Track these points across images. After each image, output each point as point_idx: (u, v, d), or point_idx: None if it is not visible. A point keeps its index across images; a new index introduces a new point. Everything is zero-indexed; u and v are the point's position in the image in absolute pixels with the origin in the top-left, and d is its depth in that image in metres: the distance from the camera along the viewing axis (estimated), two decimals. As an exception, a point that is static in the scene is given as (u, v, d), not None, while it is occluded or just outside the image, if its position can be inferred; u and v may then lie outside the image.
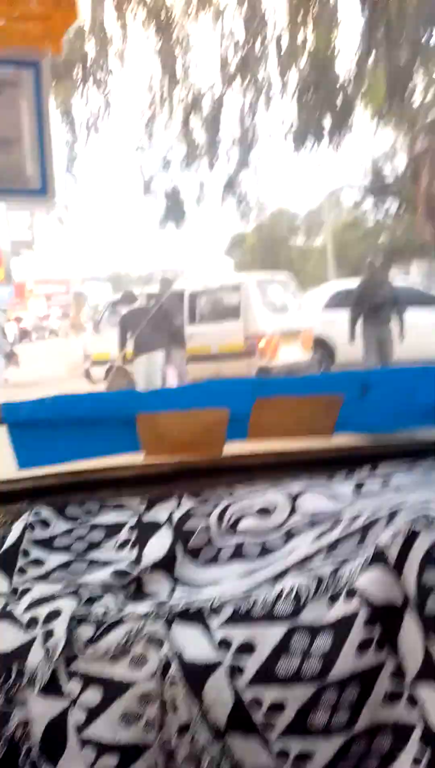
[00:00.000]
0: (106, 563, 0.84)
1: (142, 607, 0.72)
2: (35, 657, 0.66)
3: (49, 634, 0.67)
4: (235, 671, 0.64)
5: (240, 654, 0.65)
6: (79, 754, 0.64)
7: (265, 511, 0.87)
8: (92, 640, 0.68)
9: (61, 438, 0.97)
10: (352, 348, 7.81)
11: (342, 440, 1.05)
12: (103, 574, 0.80)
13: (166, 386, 7.17)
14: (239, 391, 0.97)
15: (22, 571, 0.83)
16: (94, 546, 0.88)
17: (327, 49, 5.86)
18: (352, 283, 8.64)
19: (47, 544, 0.88)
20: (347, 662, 0.64)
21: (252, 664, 0.64)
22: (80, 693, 0.65)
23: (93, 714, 0.64)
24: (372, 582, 0.65)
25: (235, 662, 0.64)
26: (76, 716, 0.65)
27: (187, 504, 0.91)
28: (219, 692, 0.64)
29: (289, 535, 0.83)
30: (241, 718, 0.63)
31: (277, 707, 0.63)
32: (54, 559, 0.86)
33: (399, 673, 0.65)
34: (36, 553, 0.86)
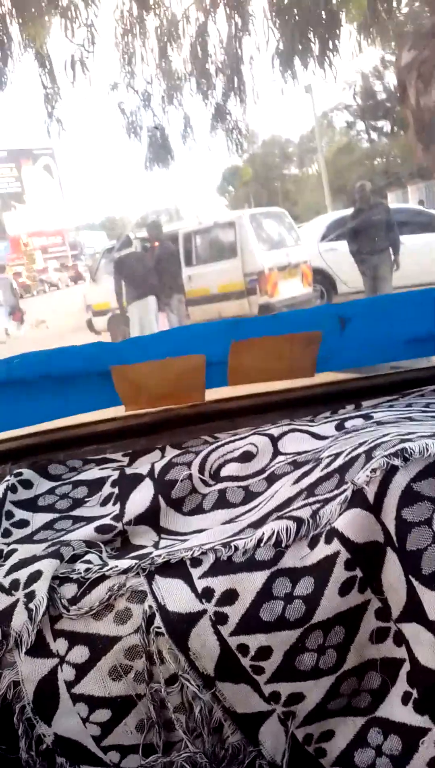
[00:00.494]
0: (90, 519, 0.84)
1: (125, 561, 0.72)
2: (19, 619, 0.67)
3: (30, 596, 0.68)
4: (220, 620, 0.64)
5: (223, 602, 0.65)
6: (72, 710, 0.65)
7: (247, 456, 0.86)
8: (76, 598, 0.68)
9: (38, 397, 0.96)
10: (353, 277, 7.65)
11: (325, 378, 1.02)
12: (86, 531, 0.80)
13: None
14: (214, 334, 0.94)
15: (6, 532, 0.83)
16: (77, 503, 0.87)
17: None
18: (348, 212, 8.40)
19: (31, 504, 0.88)
20: (331, 603, 0.64)
21: (236, 612, 0.65)
22: (67, 651, 0.66)
23: (82, 670, 0.65)
24: (351, 522, 0.65)
25: (219, 611, 0.65)
26: (65, 674, 0.66)
27: (169, 454, 0.90)
28: (204, 641, 0.64)
29: (272, 479, 0.82)
30: (229, 665, 0.64)
31: (264, 652, 0.64)
32: (39, 519, 0.86)
33: (384, 611, 0.65)
34: (20, 513, 0.86)
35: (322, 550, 0.65)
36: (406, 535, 0.63)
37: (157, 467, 0.87)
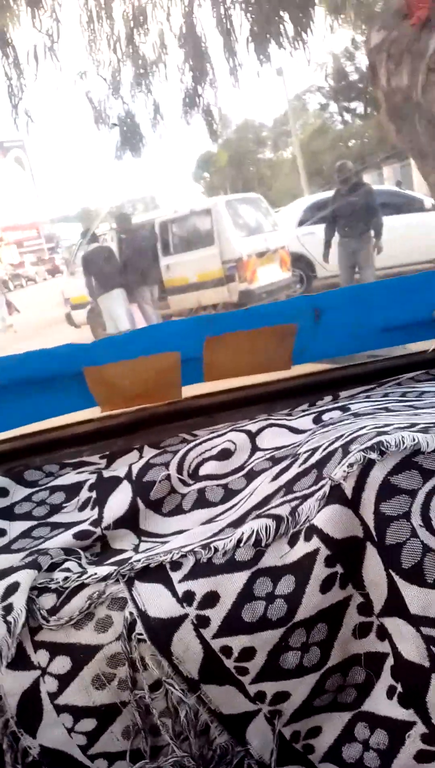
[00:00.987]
0: (68, 525, 0.82)
1: (104, 568, 0.71)
2: None
3: (8, 608, 0.66)
4: (201, 623, 0.64)
5: (204, 605, 0.64)
6: (57, 721, 0.64)
7: (225, 454, 0.85)
8: (55, 609, 0.67)
9: (11, 401, 0.94)
10: (332, 260, 7.62)
11: (302, 370, 1.02)
12: (65, 537, 0.79)
13: (134, 325, 7.18)
14: (186, 331, 0.93)
15: None
16: (55, 509, 0.86)
17: None
18: (325, 195, 8.36)
19: (7, 512, 0.86)
20: (313, 601, 0.63)
21: (217, 614, 0.64)
22: (49, 662, 0.65)
23: (65, 681, 0.65)
24: (330, 518, 0.64)
25: (200, 614, 0.64)
26: (48, 685, 0.65)
27: (146, 455, 0.89)
28: (187, 645, 0.64)
29: (251, 476, 0.81)
30: (213, 668, 0.63)
31: (248, 653, 0.63)
32: (16, 528, 0.84)
33: (367, 606, 0.65)
34: None
35: (302, 548, 0.65)
36: (385, 529, 0.62)
37: (135, 469, 0.85)
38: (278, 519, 0.68)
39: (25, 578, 0.69)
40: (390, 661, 0.64)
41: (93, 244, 7.81)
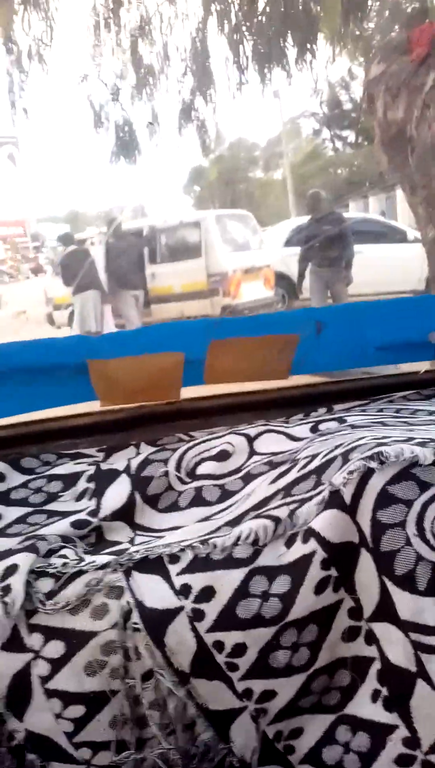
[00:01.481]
0: (65, 514, 0.83)
1: (102, 557, 0.72)
2: None
3: (6, 590, 0.67)
4: (197, 616, 0.65)
5: (200, 599, 0.66)
6: (46, 705, 0.65)
7: (223, 455, 0.87)
8: (52, 593, 0.67)
9: (12, 389, 0.94)
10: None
11: (298, 381, 1.04)
12: (62, 525, 0.80)
13: (101, 327, 7.19)
14: (193, 333, 0.95)
15: None
16: (52, 497, 0.87)
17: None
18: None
19: (3, 497, 0.87)
20: (306, 602, 0.65)
21: (213, 609, 0.65)
22: (43, 646, 0.65)
23: (57, 665, 0.65)
24: (328, 522, 0.66)
25: (196, 607, 0.65)
26: (39, 669, 0.65)
27: (144, 451, 0.90)
28: (181, 638, 0.65)
29: (248, 478, 0.83)
30: (204, 662, 0.65)
31: (240, 649, 0.65)
32: (11, 513, 0.85)
33: (357, 610, 0.67)
34: None
35: (299, 549, 0.67)
36: (380, 536, 0.64)
37: (134, 463, 0.87)
38: (276, 520, 0.70)
39: (24, 561, 0.70)
40: (376, 665, 0.66)
41: (71, 246, 7.87)
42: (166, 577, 0.68)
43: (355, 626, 0.67)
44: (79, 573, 0.69)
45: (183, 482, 0.85)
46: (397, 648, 0.63)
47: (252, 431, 0.89)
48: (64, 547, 0.75)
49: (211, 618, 0.65)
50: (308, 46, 6.08)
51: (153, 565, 0.69)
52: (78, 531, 0.79)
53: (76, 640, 0.65)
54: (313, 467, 0.75)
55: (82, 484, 0.87)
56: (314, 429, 0.89)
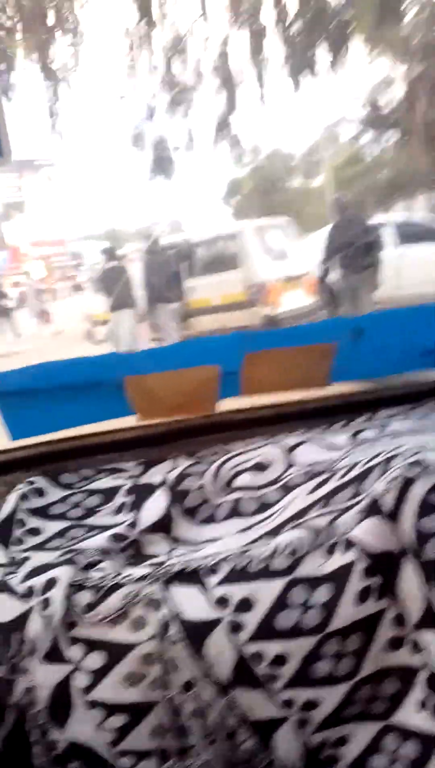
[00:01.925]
0: (103, 528, 0.84)
1: (140, 569, 0.72)
2: (34, 625, 0.67)
3: (46, 603, 0.68)
4: (235, 628, 0.64)
5: (239, 610, 0.65)
6: (87, 715, 0.65)
7: (260, 467, 0.86)
8: (91, 606, 0.68)
9: (52, 406, 0.96)
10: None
11: (338, 389, 1.03)
12: (100, 539, 0.80)
13: (136, 346, 7.21)
14: (227, 346, 0.95)
15: (19, 541, 0.83)
16: (91, 512, 0.87)
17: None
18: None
19: (43, 512, 0.88)
20: (347, 612, 0.64)
21: (252, 620, 0.65)
22: (83, 657, 0.66)
23: (97, 677, 0.65)
24: (368, 531, 0.65)
25: (235, 619, 0.65)
26: (80, 680, 0.66)
27: (182, 464, 0.90)
28: (220, 649, 0.64)
29: (286, 489, 0.82)
30: (244, 673, 0.64)
31: (280, 660, 0.64)
32: (51, 527, 0.86)
33: (401, 619, 0.65)
34: (32, 522, 0.86)
35: (340, 559, 0.65)
36: (424, 544, 0.63)
37: (171, 477, 0.87)
38: (316, 530, 0.69)
39: (64, 574, 0.70)
40: (424, 674, 0.64)
41: (111, 263, 7.97)
42: (204, 589, 0.67)
43: (400, 635, 0.65)
44: (118, 586, 0.69)
45: (220, 495, 0.85)
46: None
47: (289, 441, 0.88)
48: (102, 560, 0.75)
49: (250, 629, 0.64)
50: (341, 50, 6.05)
51: (190, 577, 0.69)
52: (117, 544, 0.79)
53: (115, 652, 0.66)
54: (352, 476, 0.73)
55: (120, 498, 0.87)
56: (354, 437, 0.88)
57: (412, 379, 1.09)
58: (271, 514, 0.79)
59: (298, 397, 1.02)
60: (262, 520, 0.79)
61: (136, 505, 0.84)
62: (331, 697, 0.64)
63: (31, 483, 0.90)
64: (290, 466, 0.85)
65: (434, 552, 0.62)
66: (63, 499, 0.90)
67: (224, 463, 0.87)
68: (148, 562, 0.76)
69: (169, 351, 0.95)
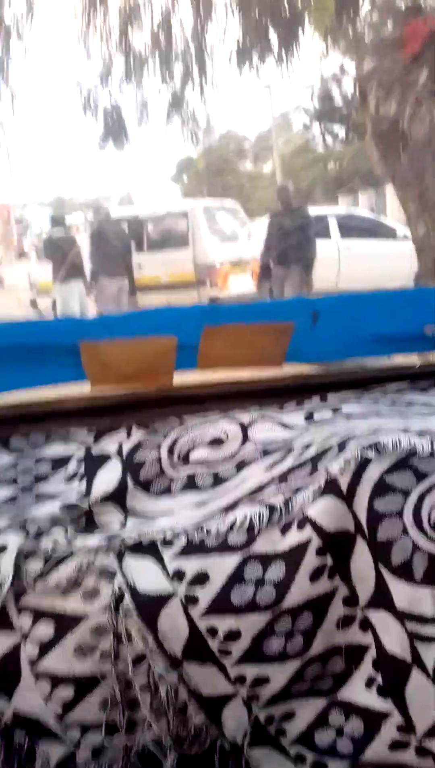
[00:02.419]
0: (54, 496, 0.82)
1: (93, 540, 0.71)
2: None
3: None
4: (190, 601, 0.65)
5: (194, 584, 0.65)
6: (34, 687, 0.64)
7: (217, 441, 0.86)
8: (42, 575, 0.66)
9: (2, 368, 0.92)
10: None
11: (292, 369, 1.04)
12: (51, 508, 0.79)
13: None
14: (187, 318, 0.94)
15: None
16: (41, 479, 0.85)
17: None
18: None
19: None
20: (301, 590, 0.65)
21: (206, 594, 0.65)
22: (32, 627, 0.65)
23: (46, 647, 0.64)
24: (324, 510, 0.66)
25: (189, 593, 0.65)
26: (28, 650, 0.64)
27: (136, 435, 0.89)
28: (173, 622, 0.64)
29: (242, 465, 0.82)
30: (196, 647, 0.64)
31: (233, 635, 0.64)
32: None
33: (352, 598, 0.66)
34: None
35: (295, 537, 0.66)
36: (377, 525, 0.64)
37: (126, 447, 0.85)
38: (272, 507, 0.69)
39: (13, 541, 0.69)
40: (371, 653, 0.66)
41: (59, 232, 7.72)
42: (160, 561, 0.67)
43: (350, 614, 0.67)
44: (70, 555, 0.68)
45: (175, 468, 0.84)
46: (392, 637, 0.64)
47: (246, 418, 0.88)
48: (53, 529, 0.74)
49: (204, 603, 0.64)
50: (291, 39, 6.06)
51: (146, 549, 0.68)
52: (68, 513, 0.78)
53: (66, 623, 0.65)
54: (309, 455, 0.74)
55: (72, 467, 0.85)
56: (309, 417, 0.89)
57: (362, 364, 1.12)
58: (227, 490, 0.79)
59: (254, 374, 1.02)
60: (217, 495, 0.79)
61: (89, 475, 0.83)
62: (281, 674, 0.65)
63: None
64: (246, 441, 0.86)
65: (386, 533, 0.64)
66: (12, 465, 0.87)
67: (180, 436, 0.87)
68: (102, 533, 0.75)
69: (127, 319, 0.93)
